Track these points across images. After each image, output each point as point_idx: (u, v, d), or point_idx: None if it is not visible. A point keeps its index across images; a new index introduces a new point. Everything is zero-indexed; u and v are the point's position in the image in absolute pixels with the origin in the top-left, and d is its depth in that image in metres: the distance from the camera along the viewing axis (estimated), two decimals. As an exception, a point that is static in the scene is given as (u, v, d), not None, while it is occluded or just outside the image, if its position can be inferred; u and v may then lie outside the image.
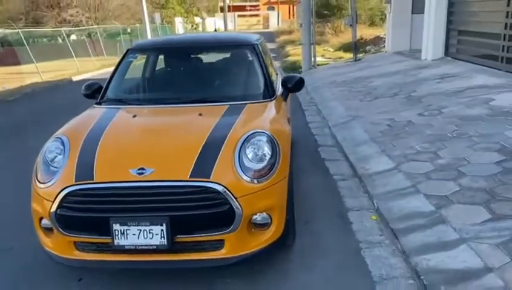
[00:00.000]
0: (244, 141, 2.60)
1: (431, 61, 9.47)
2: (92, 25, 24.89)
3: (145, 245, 2.38)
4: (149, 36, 23.05)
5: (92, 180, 2.43)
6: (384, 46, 13.48)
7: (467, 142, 4.36)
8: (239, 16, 56.38)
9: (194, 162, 2.45)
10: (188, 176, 2.39)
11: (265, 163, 2.57)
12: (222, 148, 2.56)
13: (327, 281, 2.62)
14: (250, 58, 3.64)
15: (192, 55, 3.87)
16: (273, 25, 52.56)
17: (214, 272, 2.70)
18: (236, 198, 2.39)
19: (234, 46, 3.85)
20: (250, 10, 59.28)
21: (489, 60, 7.76)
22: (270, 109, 3.20)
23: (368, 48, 14.70)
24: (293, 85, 3.57)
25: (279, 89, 3.67)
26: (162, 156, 2.53)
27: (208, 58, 3.96)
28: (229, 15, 48.34)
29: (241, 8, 59.09)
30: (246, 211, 2.42)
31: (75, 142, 2.69)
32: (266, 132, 2.69)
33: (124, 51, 3.80)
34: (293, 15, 55.54)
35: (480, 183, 3.46)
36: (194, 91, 3.42)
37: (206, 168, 2.43)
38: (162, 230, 2.36)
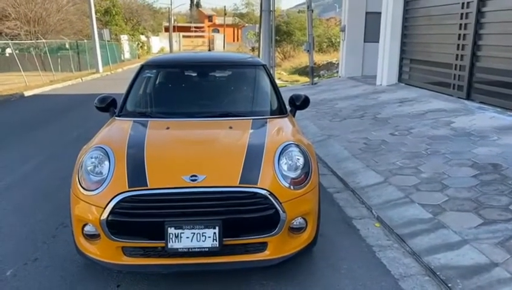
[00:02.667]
0: (281, 152, 2.83)
1: (386, 86, 10.23)
2: (31, 39, 23.93)
3: (198, 247, 2.52)
4: (98, 53, 22.58)
5: (146, 186, 2.54)
6: (337, 72, 14.28)
7: (442, 159, 4.86)
8: (184, 36, 56.56)
9: (241, 169, 2.65)
10: (238, 182, 2.58)
11: (300, 171, 2.81)
12: (263, 157, 2.77)
13: (354, 280, 2.88)
14: (263, 77, 3.90)
15: (209, 73, 4.07)
16: (219, 47, 53.26)
17: (250, 275, 2.87)
18: (281, 203, 2.61)
19: (248, 65, 4.10)
20: (195, 31, 59.70)
21: (441, 87, 8.55)
22: (288, 123, 3.46)
23: (321, 72, 15.47)
24: (301, 103, 3.86)
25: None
26: (211, 164, 2.69)
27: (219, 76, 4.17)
28: (174, 35, 48.39)
29: (186, 29, 59.38)
30: (289, 215, 2.64)
31: (119, 151, 2.79)
32: (297, 143, 2.94)
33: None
34: (238, 38, 56.70)
35: (464, 193, 3.91)
36: (217, 106, 3.62)
37: (253, 175, 2.64)
38: (215, 233, 2.52)
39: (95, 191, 2.61)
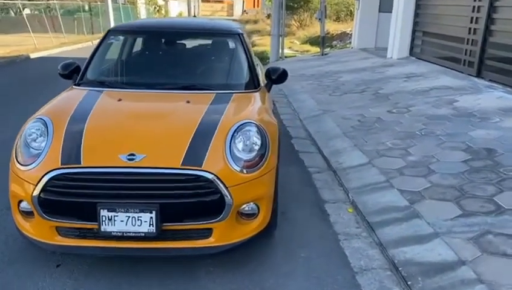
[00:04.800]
0: (235, 130, 2.61)
1: (397, 60, 9.76)
2: (46, 0, 23.72)
3: (133, 232, 2.35)
4: (111, 16, 22.28)
5: (80, 164, 2.36)
6: (350, 42, 13.74)
7: (435, 141, 4.56)
8: (203, 1, 55.57)
9: (186, 150, 2.44)
10: (180, 164, 2.37)
11: (255, 153, 2.59)
12: (213, 137, 2.56)
13: (309, 271, 2.69)
14: (237, 48, 3.62)
15: (177, 41, 3.81)
16: (238, 13, 52.22)
17: (197, 261, 2.70)
18: (227, 187, 2.40)
19: (220, 34, 3.82)
20: (215, -4, 58.56)
21: (451, 62, 8.08)
22: (256, 99, 3.21)
23: (334, 42, 14.94)
24: (277, 77, 3.59)
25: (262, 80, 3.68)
26: (153, 143, 2.49)
27: (191, 44, 3.91)
28: (193, -1, 47.51)
29: (206, -6, 58.25)
30: (236, 201, 2.44)
31: (59, 124, 2.60)
32: (256, 123, 2.70)
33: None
34: (258, 4, 55.41)
35: (449, 180, 3.63)
36: (180, 77, 3.38)
37: (198, 156, 2.43)
38: (151, 217, 2.34)
39: (30, 166, 2.44)
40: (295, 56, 13.52)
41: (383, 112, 5.88)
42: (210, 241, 2.48)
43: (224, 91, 3.19)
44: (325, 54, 12.52)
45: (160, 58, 3.69)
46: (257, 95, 3.29)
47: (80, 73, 3.44)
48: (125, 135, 2.56)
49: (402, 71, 8.45)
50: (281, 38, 12.82)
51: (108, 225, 2.33)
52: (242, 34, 3.69)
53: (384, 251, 2.87)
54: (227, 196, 2.40)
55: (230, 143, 2.55)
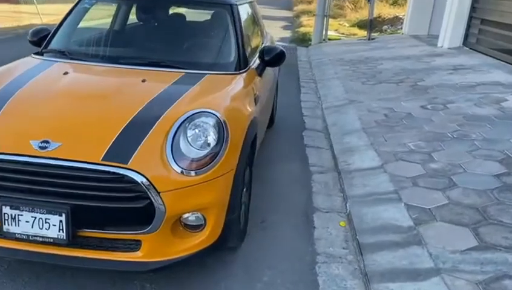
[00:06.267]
0: (184, 121, 2.11)
1: (448, 49, 8.77)
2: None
3: (40, 236, 1.93)
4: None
5: None
6: (401, 28, 12.68)
7: (467, 146, 3.83)
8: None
9: (112, 141, 1.97)
10: (100, 158, 1.91)
11: (206, 151, 2.08)
12: (153, 127, 2.07)
13: (266, 301, 2.17)
14: (225, 21, 3.08)
15: (156, 9, 3.31)
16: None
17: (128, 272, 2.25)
18: (159, 193, 1.92)
19: (208, 3, 3.27)
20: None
21: (510, 56, 7.08)
22: (235, 83, 2.68)
23: (384, 27, 13.87)
24: (271, 58, 3.02)
25: (255, 62, 3.13)
26: (75, 129, 2.04)
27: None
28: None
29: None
30: (171, 210, 1.95)
31: None
32: (215, 113, 2.18)
33: None
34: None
35: (472, 198, 2.96)
36: (149, 51, 2.90)
37: (126, 150, 1.95)
38: (61, 221, 1.90)
39: None
40: (339, 39, 12.66)
41: (416, 106, 5.13)
42: (137, 256, 2.01)
43: (196, 71, 2.67)
44: (372, 39, 11.59)
45: (132, 28, 3.22)
46: (239, 78, 2.75)
47: (45, 41, 3.04)
48: (45, 116, 2.13)
49: (450, 62, 7.52)
50: (325, 19, 12.02)
51: (11, 224, 1.92)
52: (235, 5, 3.12)
53: (367, 284, 2.29)
54: (158, 203, 1.92)
55: (174, 136, 2.05)
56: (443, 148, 3.85)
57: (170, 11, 3.34)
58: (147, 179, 1.90)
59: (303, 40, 12.57)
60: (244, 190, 2.55)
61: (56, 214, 1.89)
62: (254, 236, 2.71)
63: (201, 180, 2.02)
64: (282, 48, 3.10)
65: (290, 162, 3.89)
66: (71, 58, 2.81)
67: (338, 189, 3.41)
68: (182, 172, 1.99)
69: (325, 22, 12.00)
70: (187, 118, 2.11)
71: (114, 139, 1.97)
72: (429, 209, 2.86)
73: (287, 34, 15.06)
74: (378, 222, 2.82)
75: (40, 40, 3.11)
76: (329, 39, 12.19)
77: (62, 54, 2.88)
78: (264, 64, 3.07)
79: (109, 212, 1.92)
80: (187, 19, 3.30)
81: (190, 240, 2.09)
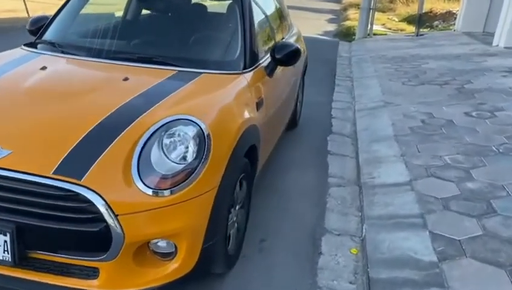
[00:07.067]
0: (159, 129, 1.80)
1: (504, 48, 8.01)
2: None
3: (-16, 256, 1.68)
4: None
5: None
6: (454, 24, 11.81)
7: (514, 164, 3.31)
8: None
9: (69, 151, 1.69)
10: (51, 171, 1.63)
11: (181, 167, 1.76)
12: (120, 135, 1.77)
13: None
14: (231, 13, 2.73)
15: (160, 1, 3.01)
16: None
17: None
18: (116, 215, 1.62)
19: None
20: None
21: None
22: (234, 85, 2.34)
23: (435, 23, 12.99)
24: (283, 56, 2.66)
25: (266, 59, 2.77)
26: (30, 135, 1.78)
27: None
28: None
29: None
30: (131, 235, 1.66)
31: None
32: (197, 121, 1.85)
33: None
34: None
35: (513, 230, 2.48)
36: (140, 45, 2.61)
37: (82, 163, 1.66)
38: (6, 241, 1.65)
39: None
40: (385, 34, 11.96)
41: (459, 113, 4.59)
42: (93, 285, 1.73)
43: (191, 69, 2.35)
44: (420, 35, 10.86)
45: (129, 21, 2.92)
46: (241, 78, 2.41)
47: (40, 31, 2.82)
48: (1, 119, 1.87)
49: (505, 63, 6.81)
50: (371, 13, 11.39)
51: (-50, 241, 1.69)
52: None
53: (370, 332, 1.91)
54: (115, 228, 1.63)
55: (143, 147, 1.74)
56: (485, 164, 3.34)
57: (176, 2, 3.02)
58: (102, 198, 1.61)
59: (347, 35, 11.99)
60: (237, 207, 2.23)
61: (1, 233, 1.64)
62: (249, 258, 2.38)
63: (172, 202, 1.71)
64: (297, 46, 2.72)
65: (307, 170, 3.51)
66: (62, 52, 2.56)
67: (356, 207, 3.00)
68: (148, 191, 1.68)
69: (370, 16, 11.38)
70: (163, 125, 1.81)
71: (71, 148, 1.69)
72: (458, 241, 2.42)
73: (332, 27, 14.49)
74: (395, 252, 2.41)
75: (39, 29, 2.90)
76: (374, 34, 11.56)
77: (53, 45, 2.64)
78: (275, 62, 2.71)
79: (61, 233, 1.65)
80: (194, 11, 2.97)
81: (160, 270, 1.79)
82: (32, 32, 2.93)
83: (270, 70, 2.71)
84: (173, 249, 1.79)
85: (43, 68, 2.28)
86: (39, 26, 2.91)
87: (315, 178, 3.40)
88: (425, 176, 3.23)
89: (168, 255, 1.81)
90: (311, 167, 3.60)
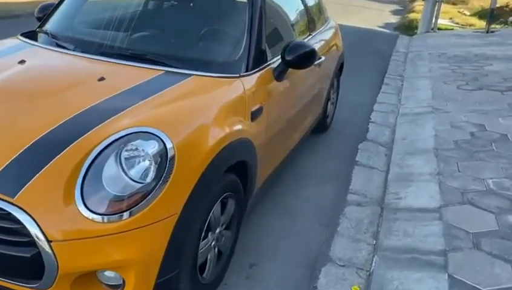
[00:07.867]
0: (112, 143, 1.56)
1: None
2: None
3: None
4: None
5: None
6: (533, 20, 10.71)
7: None
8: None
9: (7, 163, 1.50)
10: (-18, 187, 1.44)
11: (136, 188, 1.51)
12: (68, 148, 1.55)
13: None
14: (237, 8, 2.43)
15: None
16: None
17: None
18: (49, 241, 1.41)
19: None
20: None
21: None
22: (225, 91, 2.06)
23: (510, 19, 11.84)
24: (294, 58, 2.32)
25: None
26: None
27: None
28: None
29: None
30: (66, 266, 1.45)
31: None
32: (160, 135, 1.60)
33: None
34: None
35: (557, 286, 2.03)
36: (132, 41, 2.36)
37: (19, 178, 1.46)
38: None
39: None
40: (452, 29, 11.06)
41: (517, 126, 4.02)
42: (30, 313, 1.54)
43: (181, 70, 2.09)
44: (491, 32, 9.92)
45: (134, 13, 2.66)
46: (236, 83, 2.11)
47: (43, 20, 2.68)
48: None
49: None
50: (437, 5, 10.57)
51: None
52: None
53: None
54: (47, 255, 1.42)
55: (90, 164, 1.52)
56: (536, 194, 2.84)
57: None
58: (34, 220, 1.40)
59: (408, 28, 11.24)
60: (217, 230, 1.96)
61: None
62: (231, 286, 2.11)
63: (119, 229, 1.48)
64: (312, 47, 2.38)
65: (326, 184, 3.17)
66: (57, 44, 2.38)
67: (371, 233, 2.64)
68: (90, 216, 1.46)
69: (436, 9, 10.56)
70: (116, 139, 1.56)
71: (10, 160, 1.50)
72: (483, 292, 2.01)
73: (394, 19, 13.71)
74: (404, 297, 2.04)
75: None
76: (439, 29, 10.74)
77: (47, 35, 2.48)
78: (285, 65, 2.38)
79: (-6, 255, 1.47)
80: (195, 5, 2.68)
81: (108, 304, 1.57)
82: (40, 20, 2.80)
83: (278, 73, 2.39)
84: (121, 283, 1.56)
85: (21, 62, 2.11)
86: (46, 14, 2.77)
87: (332, 194, 3.05)
88: (460, 202, 2.79)
89: (117, 287, 1.59)
90: (332, 179, 3.25)
